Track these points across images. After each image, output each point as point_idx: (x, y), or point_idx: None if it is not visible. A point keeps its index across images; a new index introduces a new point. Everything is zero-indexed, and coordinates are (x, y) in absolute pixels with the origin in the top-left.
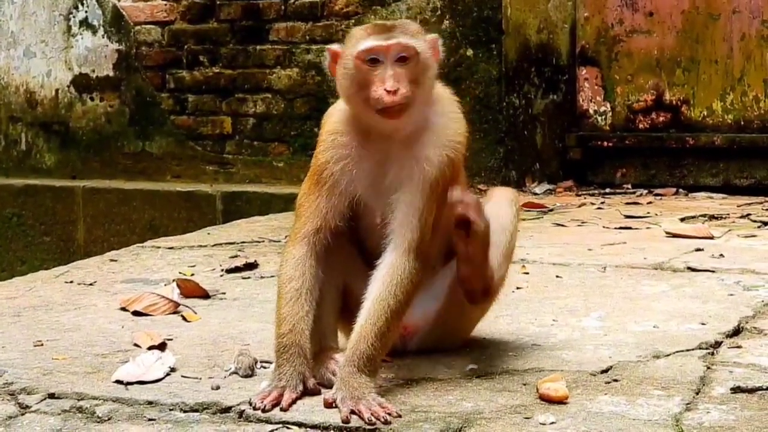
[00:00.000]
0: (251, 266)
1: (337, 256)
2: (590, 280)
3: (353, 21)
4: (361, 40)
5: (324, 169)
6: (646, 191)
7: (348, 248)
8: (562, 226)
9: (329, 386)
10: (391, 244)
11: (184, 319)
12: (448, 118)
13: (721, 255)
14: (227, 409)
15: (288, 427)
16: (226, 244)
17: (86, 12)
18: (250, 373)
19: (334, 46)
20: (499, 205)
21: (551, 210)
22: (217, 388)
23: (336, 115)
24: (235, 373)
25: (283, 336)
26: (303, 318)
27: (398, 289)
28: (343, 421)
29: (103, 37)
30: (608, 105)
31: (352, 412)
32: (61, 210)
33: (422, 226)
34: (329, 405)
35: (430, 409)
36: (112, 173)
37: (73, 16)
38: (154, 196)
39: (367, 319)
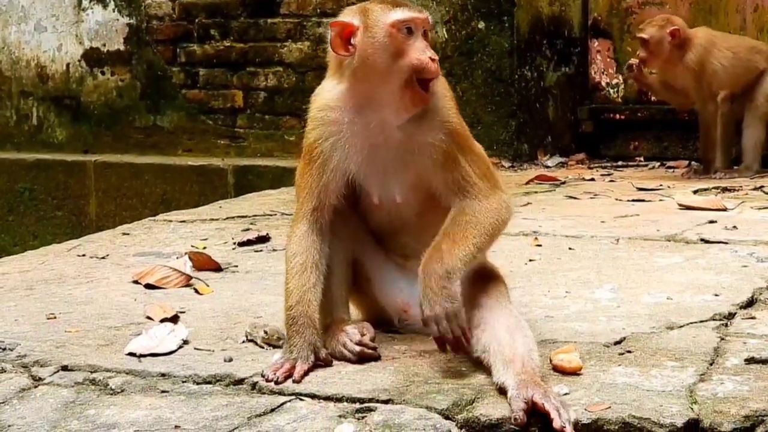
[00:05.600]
0: (263, 239)
1: (345, 230)
2: (603, 252)
3: None
4: (392, 11)
5: (314, 147)
6: (658, 164)
7: (355, 222)
8: (575, 198)
9: (340, 358)
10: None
11: (197, 291)
12: (441, 98)
13: (734, 227)
14: (240, 381)
15: (301, 399)
16: (238, 217)
17: None
18: (279, 344)
19: (346, 20)
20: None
21: (563, 183)
22: (230, 360)
23: (326, 91)
24: (258, 345)
25: (292, 308)
26: (310, 289)
27: (468, 209)
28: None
29: (114, 11)
30: (620, 77)
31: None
32: (73, 184)
33: (473, 175)
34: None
35: (443, 381)
36: (124, 147)
37: None
38: (166, 170)
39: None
